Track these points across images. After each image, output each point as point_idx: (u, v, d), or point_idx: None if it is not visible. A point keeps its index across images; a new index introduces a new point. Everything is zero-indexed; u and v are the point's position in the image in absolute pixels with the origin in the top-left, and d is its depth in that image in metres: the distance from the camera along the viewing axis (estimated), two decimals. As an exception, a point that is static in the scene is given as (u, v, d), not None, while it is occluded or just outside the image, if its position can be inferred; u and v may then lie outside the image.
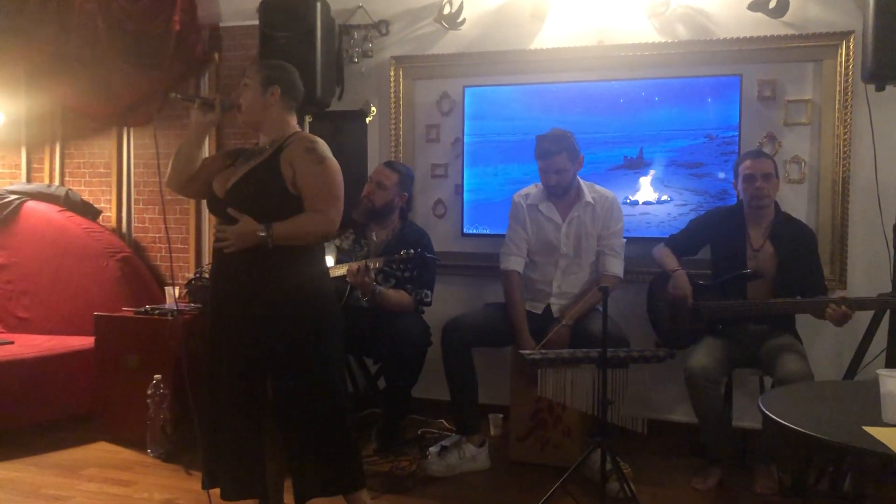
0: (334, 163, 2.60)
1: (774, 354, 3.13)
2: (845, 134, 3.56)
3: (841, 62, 3.55)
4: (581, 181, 3.52)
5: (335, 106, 4.21)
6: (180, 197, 4.54)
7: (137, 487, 3.18)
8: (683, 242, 3.50)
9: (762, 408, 2.15)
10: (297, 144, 2.58)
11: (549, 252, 3.53)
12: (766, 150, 3.62)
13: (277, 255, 2.51)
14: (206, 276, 3.91)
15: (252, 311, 2.55)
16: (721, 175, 3.66)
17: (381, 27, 4.21)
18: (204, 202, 4.33)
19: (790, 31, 3.62)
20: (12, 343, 4.04)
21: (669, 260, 3.44)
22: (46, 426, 3.83)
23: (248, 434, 2.61)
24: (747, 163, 3.29)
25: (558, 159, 3.41)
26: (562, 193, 3.49)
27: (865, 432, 1.96)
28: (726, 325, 3.30)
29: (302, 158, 2.54)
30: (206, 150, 4.53)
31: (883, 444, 1.87)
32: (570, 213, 3.50)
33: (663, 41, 3.79)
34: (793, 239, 3.29)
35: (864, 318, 3.25)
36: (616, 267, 3.50)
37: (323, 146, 2.60)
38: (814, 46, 3.60)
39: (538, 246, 3.55)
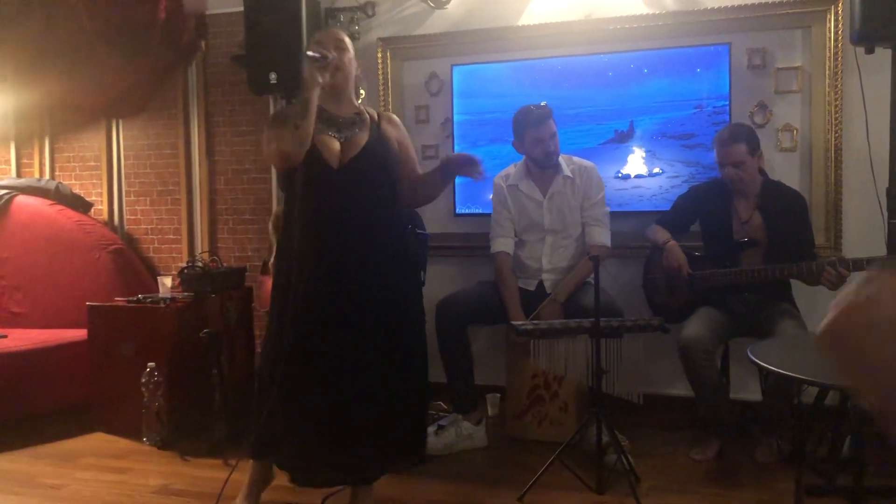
0: None
1: (772, 320, 3.11)
2: (837, 100, 3.52)
3: (830, 28, 3.51)
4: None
5: (323, 90, 4.17)
6: (171, 188, 4.62)
7: (133, 474, 3.17)
8: (672, 220, 3.48)
9: (750, 356, 2.14)
10: (389, 119, 2.79)
11: (535, 229, 3.52)
12: (757, 119, 3.61)
13: (397, 217, 2.73)
14: (200, 264, 3.90)
15: (368, 273, 2.58)
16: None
17: (367, 9, 4.18)
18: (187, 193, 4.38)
19: (778, -2, 3.59)
20: (5, 337, 4.02)
21: (660, 234, 3.42)
22: (42, 418, 3.79)
23: (347, 406, 2.53)
24: (718, 149, 3.26)
25: (551, 123, 3.42)
26: (555, 161, 3.47)
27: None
28: (721, 295, 3.27)
29: (401, 133, 2.79)
30: (197, 141, 4.54)
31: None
32: (550, 188, 3.49)
33: (651, 13, 3.76)
34: (781, 206, 3.26)
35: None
36: (602, 236, 3.48)
37: None
38: (802, 13, 3.56)
39: (523, 225, 3.54)
